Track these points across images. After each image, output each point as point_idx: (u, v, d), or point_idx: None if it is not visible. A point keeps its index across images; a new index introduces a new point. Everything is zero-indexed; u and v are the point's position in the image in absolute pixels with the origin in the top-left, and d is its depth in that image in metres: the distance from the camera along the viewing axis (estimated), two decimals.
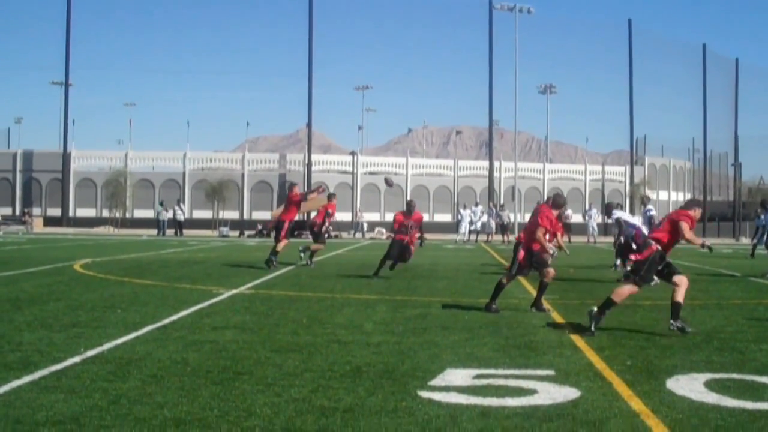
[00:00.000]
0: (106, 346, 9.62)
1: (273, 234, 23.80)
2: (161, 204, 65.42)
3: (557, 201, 14.48)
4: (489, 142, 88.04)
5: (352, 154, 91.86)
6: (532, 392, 7.53)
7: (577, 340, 10.59)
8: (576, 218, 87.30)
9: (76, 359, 8.77)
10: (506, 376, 8.23)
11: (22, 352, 9.17)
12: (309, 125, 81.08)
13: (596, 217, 56.19)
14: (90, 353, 9.14)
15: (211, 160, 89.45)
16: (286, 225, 22.88)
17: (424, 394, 7.42)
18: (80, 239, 47.08)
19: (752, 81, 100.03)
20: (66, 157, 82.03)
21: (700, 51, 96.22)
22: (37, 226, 69.44)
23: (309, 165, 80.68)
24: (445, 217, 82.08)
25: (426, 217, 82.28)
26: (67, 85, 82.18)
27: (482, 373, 8.39)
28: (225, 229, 62.46)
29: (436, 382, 7.95)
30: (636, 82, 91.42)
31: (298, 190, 24.15)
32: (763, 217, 28.62)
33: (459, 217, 57.20)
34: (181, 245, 40.35)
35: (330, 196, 24.56)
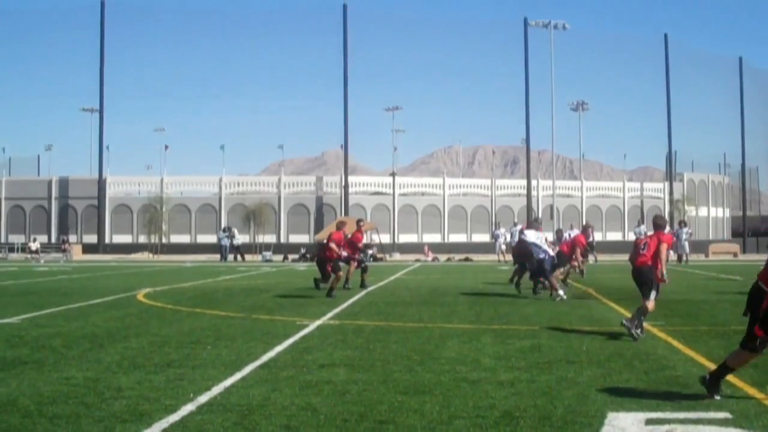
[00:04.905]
0: (215, 390, 8.76)
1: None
2: (224, 230, 64.61)
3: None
4: (527, 161, 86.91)
5: (392, 175, 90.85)
6: None
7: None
8: (613, 236, 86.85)
9: (191, 407, 7.92)
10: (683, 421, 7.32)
11: (126, 399, 8.31)
12: (345, 147, 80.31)
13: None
14: (202, 399, 8.28)
15: (246, 184, 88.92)
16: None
17: None
18: (124, 267, 46.39)
19: None
20: (101, 184, 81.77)
21: (737, 64, 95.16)
22: (76, 254, 69.00)
23: (346, 187, 79.86)
24: (483, 237, 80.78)
25: (464, 238, 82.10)
26: (102, 111, 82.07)
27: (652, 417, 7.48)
28: (268, 254, 61.70)
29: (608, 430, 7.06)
30: (662, 97, 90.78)
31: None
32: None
33: (495, 236, 56.52)
34: (232, 271, 39.55)
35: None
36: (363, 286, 23.78)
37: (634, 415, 7.56)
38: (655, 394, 8.51)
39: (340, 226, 22.91)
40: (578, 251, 23.84)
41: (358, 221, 24.79)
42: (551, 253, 21.43)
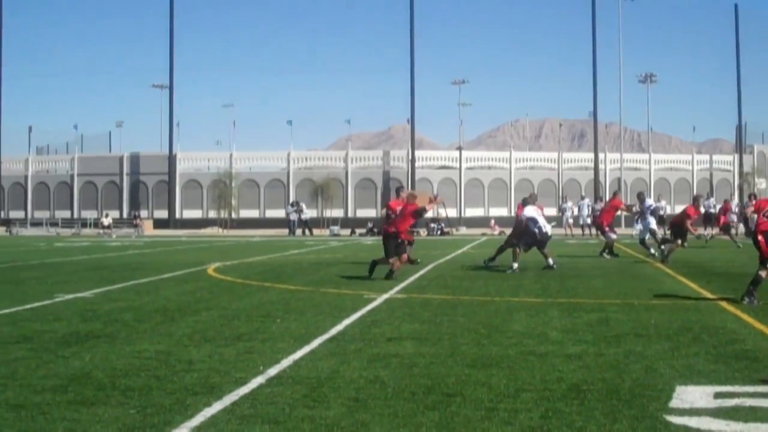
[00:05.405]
0: (284, 363, 8.86)
1: None
2: (292, 205, 65.12)
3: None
4: (594, 134, 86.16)
5: (459, 149, 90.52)
6: None
7: None
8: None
9: (260, 380, 8.01)
10: (752, 395, 7.24)
11: (197, 371, 8.44)
12: (412, 121, 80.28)
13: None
14: (271, 372, 8.38)
15: (314, 159, 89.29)
16: None
17: (673, 419, 6.50)
18: (195, 241, 47.02)
19: None
20: (172, 159, 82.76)
21: None
22: (148, 229, 70.01)
23: (413, 161, 79.85)
24: (550, 211, 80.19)
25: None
26: (172, 88, 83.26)
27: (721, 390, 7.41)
28: (336, 228, 62.22)
29: (676, 403, 7.01)
30: (732, 68, 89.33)
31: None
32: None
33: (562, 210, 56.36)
34: (301, 246, 39.96)
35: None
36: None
37: (702, 389, 7.50)
38: (725, 368, 8.43)
39: (410, 198, 21.62)
40: (688, 223, 24.99)
41: (410, 195, 23.55)
42: (547, 228, 21.60)
